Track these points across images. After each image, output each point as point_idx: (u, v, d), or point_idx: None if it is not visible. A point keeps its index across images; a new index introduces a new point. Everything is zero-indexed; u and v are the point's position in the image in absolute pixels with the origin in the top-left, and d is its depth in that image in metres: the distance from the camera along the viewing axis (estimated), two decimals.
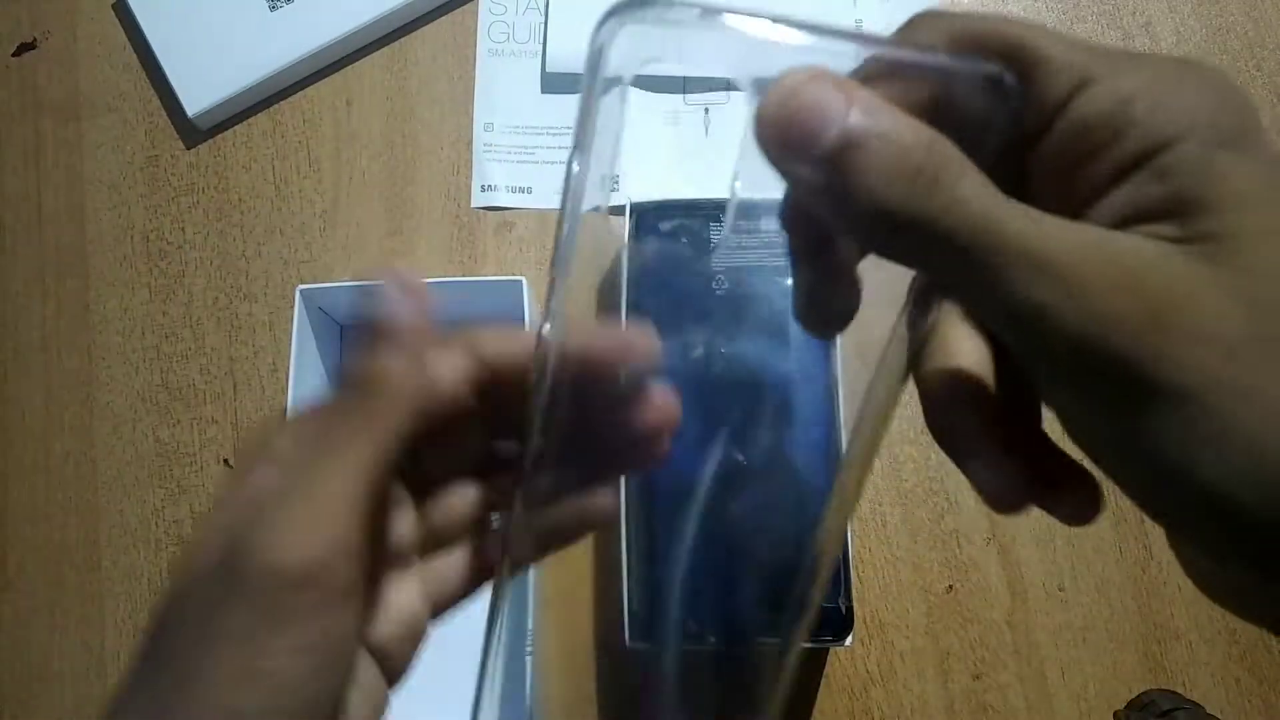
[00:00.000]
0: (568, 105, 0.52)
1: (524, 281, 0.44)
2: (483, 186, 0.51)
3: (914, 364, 0.20)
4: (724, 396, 0.40)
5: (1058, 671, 0.45)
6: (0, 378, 0.50)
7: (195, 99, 0.51)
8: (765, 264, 0.42)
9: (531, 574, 0.41)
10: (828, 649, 0.45)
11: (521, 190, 0.51)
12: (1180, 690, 0.43)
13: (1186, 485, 0.16)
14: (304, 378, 0.44)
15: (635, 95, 0.52)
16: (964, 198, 0.16)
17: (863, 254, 0.20)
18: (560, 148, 0.52)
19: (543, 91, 0.52)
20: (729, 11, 0.17)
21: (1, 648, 0.47)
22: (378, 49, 0.53)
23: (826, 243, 0.20)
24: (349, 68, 0.53)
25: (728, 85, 0.52)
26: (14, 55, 0.54)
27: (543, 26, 0.53)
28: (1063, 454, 0.20)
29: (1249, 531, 0.16)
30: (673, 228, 0.43)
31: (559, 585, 0.46)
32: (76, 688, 0.46)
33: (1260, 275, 0.16)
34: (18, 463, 0.49)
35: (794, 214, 0.20)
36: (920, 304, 0.20)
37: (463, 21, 0.53)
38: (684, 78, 0.52)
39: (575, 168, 0.19)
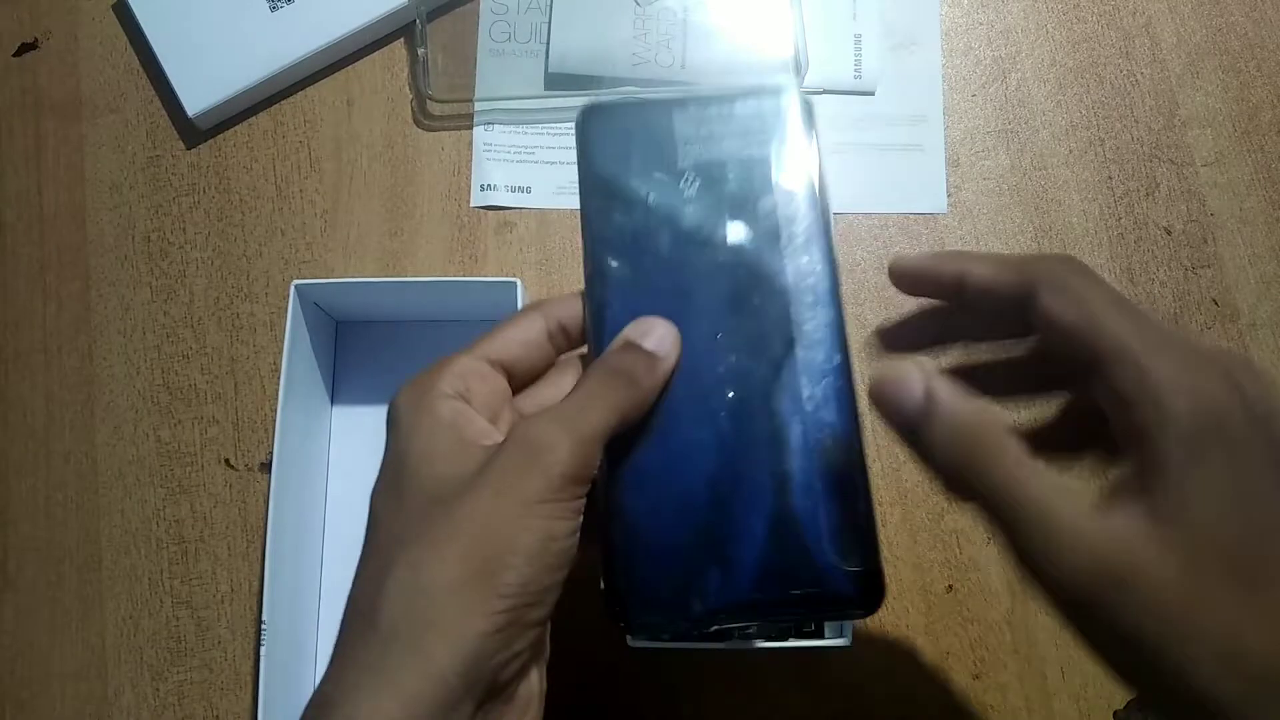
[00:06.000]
0: (569, 105, 0.52)
1: (519, 283, 0.44)
2: (482, 186, 0.52)
3: None
4: (708, 322, 0.31)
5: (1057, 671, 0.45)
6: (1, 378, 0.50)
7: (196, 99, 0.51)
8: (743, 154, 0.33)
9: None
10: (827, 650, 0.45)
11: (521, 190, 0.52)
12: None
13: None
14: (297, 373, 0.44)
15: None
16: (993, 463, 0.24)
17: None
18: (561, 148, 0.52)
19: (544, 91, 0.52)
20: None
21: (1, 647, 0.47)
22: (378, 49, 0.54)
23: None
24: (350, 68, 0.53)
25: None
26: (15, 55, 0.54)
27: (545, 26, 0.53)
28: None
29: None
30: (626, 124, 0.33)
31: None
32: (77, 688, 0.46)
33: (1197, 556, 0.22)
34: (18, 463, 0.49)
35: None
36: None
37: (464, 21, 0.53)
38: None
39: None
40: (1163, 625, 0.22)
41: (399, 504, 0.27)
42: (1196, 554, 0.22)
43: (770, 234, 0.32)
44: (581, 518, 0.27)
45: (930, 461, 0.26)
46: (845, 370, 0.30)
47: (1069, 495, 0.23)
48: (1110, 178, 0.51)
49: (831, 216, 0.32)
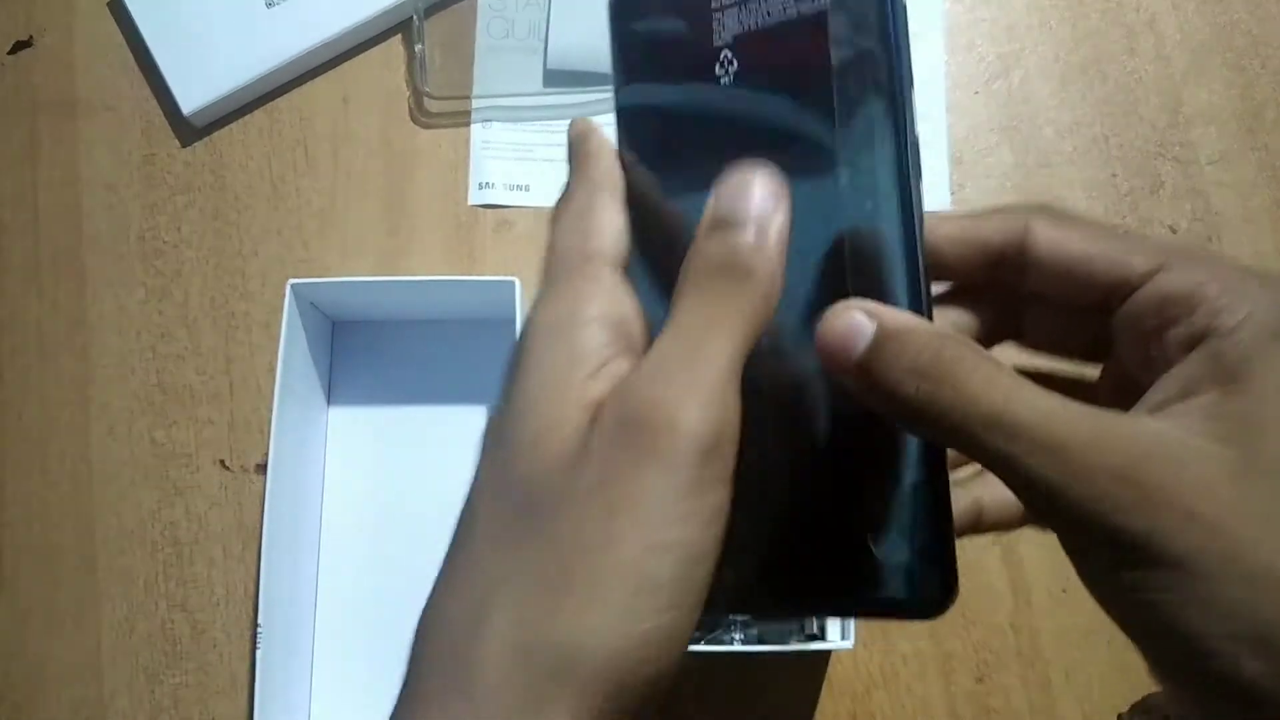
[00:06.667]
0: (568, 103, 0.52)
1: (516, 282, 0.43)
2: (480, 184, 0.51)
3: None
4: None
5: (1061, 674, 0.45)
6: None
7: (191, 97, 0.50)
8: (794, 33, 0.23)
9: None
10: (830, 652, 0.44)
11: (519, 188, 0.51)
12: None
13: (1173, 637, 0.18)
14: (293, 373, 0.44)
15: None
16: (973, 393, 0.19)
17: None
18: (560, 145, 0.52)
19: (543, 88, 0.52)
20: None
21: None
22: (375, 46, 0.53)
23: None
24: (346, 65, 0.53)
25: None
26: (10, 53, 0.53)
27: (543, 22, 0.52)
28: None
29: (1213, 671, 0.18)
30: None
31: None
32: (72, 690, 0.46)
33: (1267, 459, 0.18)
34: (14, 464, 0.49)
35: None
36: None
37: (462, 18, 0.53)
38: None
39: None
40: (1195, 550, 0.17)
41: (502, 492, 0.20)
42: (1261, 482, 0.18)
43: (825, 147, 0.23)
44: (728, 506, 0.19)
45: (899, 402, 0.19)
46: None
47: (1079, 407, 0.19)
48: (1114, 175, 0.51)
49: (918, 134, 0.22)
